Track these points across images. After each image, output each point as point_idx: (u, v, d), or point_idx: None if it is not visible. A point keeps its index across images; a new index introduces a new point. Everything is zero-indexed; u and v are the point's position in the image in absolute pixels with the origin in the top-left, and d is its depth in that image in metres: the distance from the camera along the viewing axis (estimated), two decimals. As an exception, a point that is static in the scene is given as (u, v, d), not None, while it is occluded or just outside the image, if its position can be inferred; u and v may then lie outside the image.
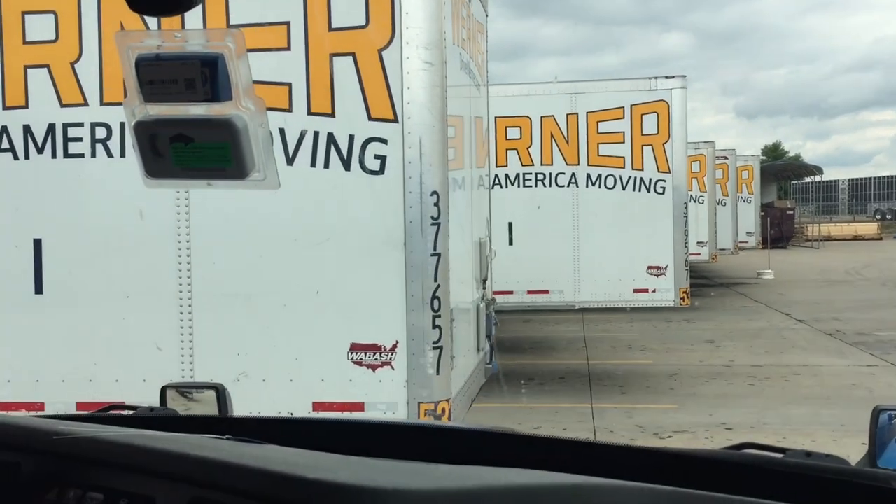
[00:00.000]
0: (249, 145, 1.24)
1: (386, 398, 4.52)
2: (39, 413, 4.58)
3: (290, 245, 4.59)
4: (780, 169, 48.86)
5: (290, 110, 4.51)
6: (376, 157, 4.49)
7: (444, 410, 4.56)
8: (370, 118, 4.47)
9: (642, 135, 11.55)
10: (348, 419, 3.40)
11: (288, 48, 4.48)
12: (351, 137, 4.50)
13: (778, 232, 34.38)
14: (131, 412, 2.05)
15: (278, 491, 1.03)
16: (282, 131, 4.52)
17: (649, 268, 11.60)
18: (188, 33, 1.22)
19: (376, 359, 4.52)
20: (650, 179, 11.63)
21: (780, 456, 1.37)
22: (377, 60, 4.44)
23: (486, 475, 1.17)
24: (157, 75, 1.20)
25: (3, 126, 4.74)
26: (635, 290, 11.65)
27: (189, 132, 1.23)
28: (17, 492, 1.20)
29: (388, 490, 1.01)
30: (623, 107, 11.57)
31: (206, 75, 1.19)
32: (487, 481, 1.13)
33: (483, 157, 6.81)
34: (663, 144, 11.54)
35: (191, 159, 1.26)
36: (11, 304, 4.80)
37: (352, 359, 4.56)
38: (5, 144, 4.75)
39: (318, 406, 4.59)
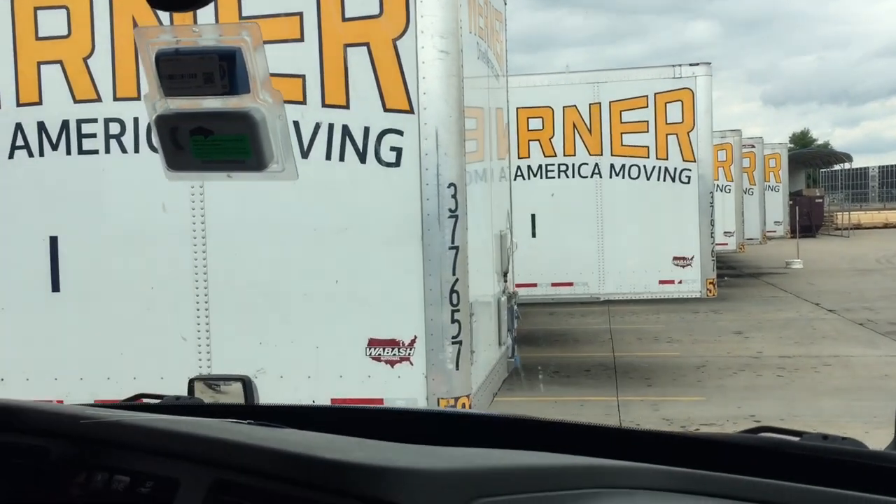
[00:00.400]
0: (268, 137, 1.25)
1: (405, 394, 4.45)
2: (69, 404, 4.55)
3: (305, 240, 4.53)
4: (808, 157, 48.22)
5: (304, 102, 4.44)
6: (392, 149, 4.41)
7: (464, 406, 4.48)
8: (385, 109, 4.39)
9: (666, 124, 11.38)
10: (365, 407, 3.36)
11: (301, 39, 4.41)
12: (366, 129, 4.42)
13: (807, 220, 33.94)
14: (158, 401, 2.13)
15: (295, 471, 1.06)
16: (296, 124, 4.46)
17: (675, 258, 11.43)
18: (206, 28, 1.24)
19: (395, 354, 4.45)
20: (675, 169, 11.45)
21: (796, 439, 1.36)
22: (392, 50, 4.35)
23: (497, 456, 1.18)
24: (177, 70, 1.22)
25: (17, 123, 4.72)
26: (661, 282, 11.49)
27: (208, 125, 1.25)
28: (46, 476, 1.22)
29: (400, 469, 1.03)
30: (646, 95, 11.40)
31: (224, 69, 1.21)
32: (498, 462, 1.13)
33: (503, 149, 6.71)
34: (688, 133, 11.36)
35: (210, 152, 1.28)
36: (29, 303, 4.79)
37: (370, 354, 4.50)
38: (20, 142, 4.73)
39: (336, 402, 4.53)
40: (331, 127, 4.45)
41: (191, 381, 2.16)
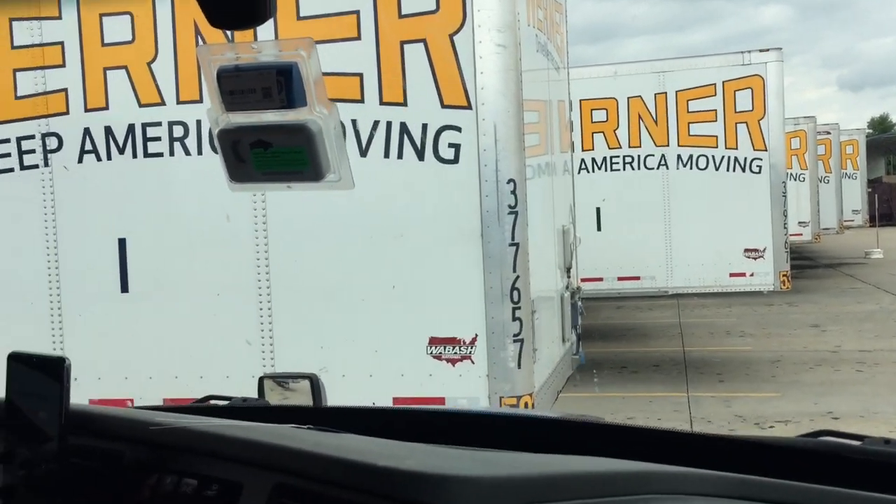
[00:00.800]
0: (324, 148, 1.30)
1: (466, 393, 4.41)
2: (140, 406, 4.65)
3: (363, 240, 4.53)
4: (888, 142, 46.43)
5: (362, 101, 4.43)
6: (450, 145, 4.37)
7: (526, 405, 4.42)
8: (443, 106, 4.35)
9: (736, 112, 11.05)
10: (423, 408, 3.36)
11: (358, 38, 4.40)
12: (424, 126, 4.39)
13: (887, 209, 32.70)
14: (226, 403, 2.23)
15: (350, 477, 1.10)
16: (354, 123, 4.45)
17: (746, 250, 11.11)
18: (264, 44, 1.29)
19: (455, 353, 4.42)
20: (745, 158, 11.12)
21: (857, 443, 1.32)
22: (449, 46, 4.31)
23: (548, 462, 1.19)
24: (237, 86, 1.27)
25: (86, 128, 4.84)
26: (731, 274, 11.17)
27: (267, 138, 1.30)
28: (121, 478, 1.29)
29: (449, 476, 1.05)
30: (714, 84, 11.08)
31: (282, 83, 1.25)
32: (549, 468, 1.14)
33: (566, 142, 6.61)
34: (759, 121, 11.01)
35: (270, 163, 1.32)
36: (99, 303, 4.90)
37: (431, 353, 4.47)
38: (88, 146, 4.85)
39: (398, 401, 4.52)
40: (389, 125, 4.44)
41: (261, 379, 2.25)
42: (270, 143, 1.31)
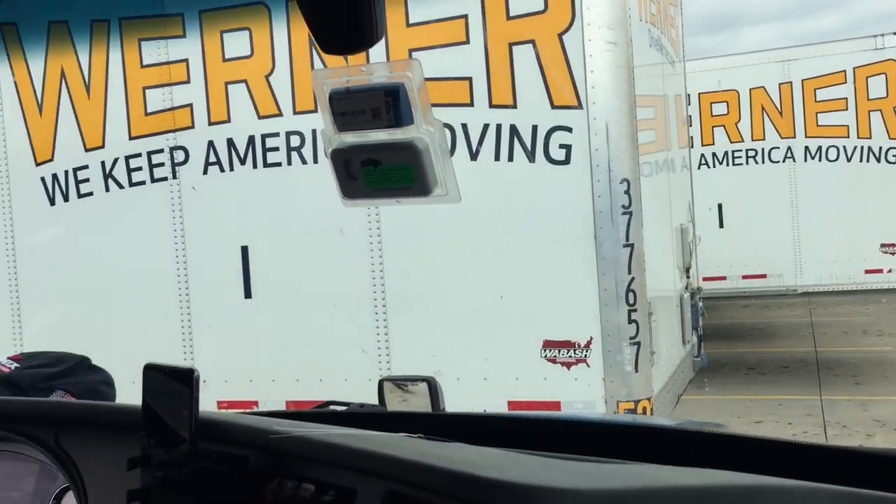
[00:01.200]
0: (431, 164, 1.35)
1: (582, 396, 4.35)
2: (264, 411, 4.83)
3: (475, 242, 4.54)
4: None
5: (471, 105, 4.44)
6: (561, 146, 4.32)
7: (645, 409, 4.32)
8: (553, 106, 4.30)
9: (868, 100, 10.44)
10: (544, 415, 3.36)
11: (467, 41, 4.41)
12: (534, 128, 4.36)
13: None
14: (345, 408, 2.34)
15: (454, 487, 1.13)
16: (464, 126, 4.46)
17: (883, 245, 10.49)
18: (373, 67, 1.35)
19: (570, 356, 4.36)
20: (880, 148, 10.50)
21: None
22: (558, 45, 4.26)
23: (653, 474, 1.18)
24: (348, 107, 1.34)
25: (209, 141, 5.05)
26: (867, 271, 10.58)
27: (377, 156, 1.36)
28: (246, 482, 1.37)
29: (550, 489, 1.06)
30: (844, 70, 10.51)
31: (389, 104, 1.31)
32: (652, 482, 1.13)
33: (683, 138, 6.42)
34: (894, 109, 10.37)
35: (380, 180, 1.38)
36: (225, 308, 5.11)
37: (545, 356, 4.43)
38: (212, 158, 5.06)
39: (513, 405, 4.50)
40: (499, 127, 4.42)
41: (380, 382, 2.31)
42: (380, 161, 1.37)
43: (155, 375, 1.41)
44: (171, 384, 1.38)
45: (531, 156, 4.38)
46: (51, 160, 5.41)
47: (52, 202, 5.43)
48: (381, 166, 1.38)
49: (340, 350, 4.85)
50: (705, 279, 7.16)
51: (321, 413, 2.12)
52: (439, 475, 1.17)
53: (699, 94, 10.41)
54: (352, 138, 1.37)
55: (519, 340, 4.48)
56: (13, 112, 5.43)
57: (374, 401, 2.43)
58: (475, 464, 1.21)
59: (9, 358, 2.10)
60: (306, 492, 1.32)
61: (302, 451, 1.38)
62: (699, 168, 10.23)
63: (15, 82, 5.41)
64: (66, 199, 5.40)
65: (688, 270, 5.84)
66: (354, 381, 4.63)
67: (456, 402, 4.62)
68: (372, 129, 1.34)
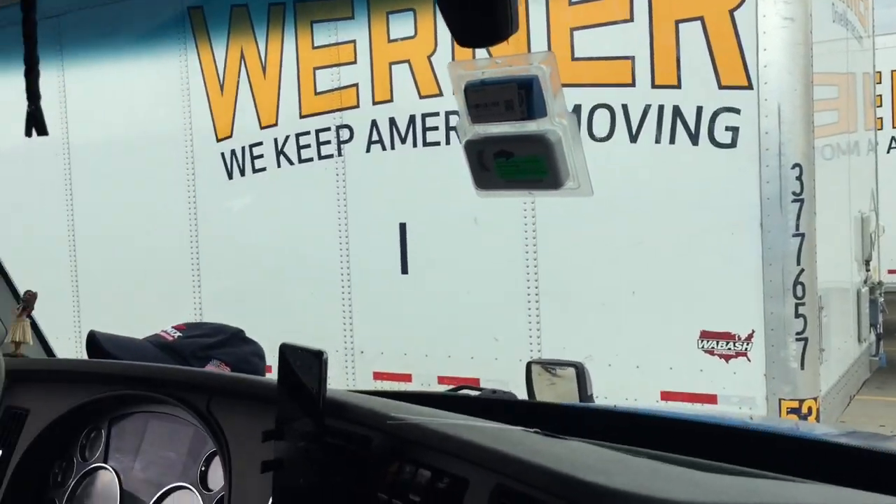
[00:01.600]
0: (563, 157, 1.35)
1: (740, 391, 4.16)
2: (393, 391, 4.96)
3: (633, 225, 4.41)
4: None
5: (632, 85, 4.30)
6: (727, 128, 4.10)
7: (810, 409, 4.07)
8: (720, 87, 4.09)
9: None
10: (652, 413, 3.27)
11: (630, 19, 4.27)
12: (699, 109, 4.17)
13: None
14: (477, 393, 2.42)
15: (558, 487, 1.15)
16: (624, 108, 4.34)
17: None
18: (507, 59, 1.35)
19: (729, 348, 4.17)
20: None
21: None
22: (728, 22, 4.04)
23: (771, 490, 1.15)
24: (482, 99, 1.35)
25: (373, 120, 5.19)
26: None
27: (509, 148, 1.37)
28: (369, 461, 1.43)
29: (655, 499, 1.06)
30: None
31: (522, 96, 1.31)
32: (763, 498, 1.10)
33: (870, 118, 5.94)
34: None
35: (512, 172, 1.39)
36: (383, 283, 5.26)
37: (702, 347, 4.26)
38: (375, 137, 5.20)
39: (665, 395, 4.37)
40: (661, 108, 4.26)
41: (528, 364, 2.32)
42: (512, 152, 1.37)
43: (290, 353, 1.47)
44: (303, 362, 1.44)
45: (694, 138, 4.20)
46: (230, 137, 5.75)
47: (230, 176, 5.77)
48: (514, 158, 1.37)
49: (492, 329, 4.88)
50: (890, 272, 6.62)
51: (450, 397, 2.17)
52: (547, 475, 1.19)
53: (892, 71, 9.57)
54: (486, 129, 1.37)
55: (675, 329, 4.34)
56: (198, 92, 5.80)
57: (523, 383, 2.44)
58: (585, 466, 1.22)
59: (173, 327, 2.26)
60: (423, 477, 1.35)
61: (418, 437, 1.41)
62: (888, 152, 9.43)
63: (200, 63, 5.78)
64: (242, 173, 5.72)
65: (868, 263, 5.42)
66: (504, 362, 4.65)
67: (605, 390, 4.56)
68: (505, 121, 1.34)
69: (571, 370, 2.24)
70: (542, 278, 4.71)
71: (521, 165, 1.38)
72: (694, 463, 1.35)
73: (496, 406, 2.06)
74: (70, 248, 6.41)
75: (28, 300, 2.17)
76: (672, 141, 4.25)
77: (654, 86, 4.26)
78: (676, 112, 4.22)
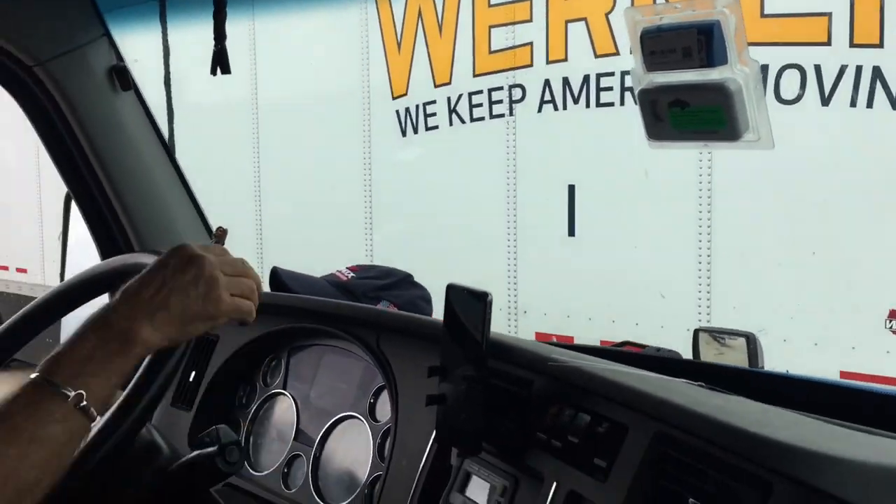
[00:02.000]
0: (743, 107, 1.30)
1: (930, 378, 3.86)
2: (566, 344, 4.94)
3: (817, 194, 4.15)
4: None
5: (828, 43, 4.01)
6: (934, 91, 3.76)
7: None
8: (929, 46, 3.75)
9: None
10: (842, 384, 3.09)
11: (830, -29, 3.98)
12: (902, 69, 3.84)
13: None
14: (641, 350, 2.39)
15: (722, 437, 1.14)
16: (817, 69, 4.06)
17: None
18: (687, 3, 1.31)
19: (921, 331, 3.87)
20: None
21: None
22: (943, -27, 3.68)
23: None
24: (658, 46, 1.33)
25: (546, 79, 5.14)
26: None
27: (685, 97, 1.33)
28: (529, 402, 1.47)
29: (822, 454, 1.04)
30: None
31: (702, 43, 1.28)
32: None
33: None
34: None
35: (686, 122, 1.36)
36: (548, 244, 5.25)
37: (890, 327, 3.98)
38: (547, 96, 5.15)
39: (845, 375, 4.12)
40: (858, 69, 3.95)
41: (696, 332, 2.27)
42: (688, 102, 1.33)
43: (456, 294, 1.51)
44: (468, 304, 1.47)
45: (895, 102, 3.88)
46: (405, 95, 5.88)
47: (404, 134, 5.92)
48: (689, 107, 1.33)
49: (658, 296, 4.76)
50: None
51: (613, 351, 2.18)
52: (710, 424, 1.18)
53: None
54: (661, 78, 1.34)
55: (860, 306, 4.07)
56: (377, 49, 5.96)
57: (689, 352, 2.37)
58: (749, 419, 1.21)
59: (347, 268, 2.37)
60: (582, 420, 1.36)
61: (579, 381, 1.43)
62: None
63: (379, 21, 5.93)
64: (415, 131, 5.85)
65: None
66: (671, 329, 4.54)
67: (779, 365, 4.35)
68: (682, 69, 1.31)
69: (742, 340, 2.15)
70: (714, 246, 4.53)
71: (697, 115, 1.34)
72: (870, 431, 1.30)
73: (659, 362, 2.04)
74: (255, 196, 6.81)
75: (219, 235, 2.33)
76: (869, 104, 3.94)
77: (852, 44, 3.95)
78: (876, 73, 3.90)
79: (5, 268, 9.36)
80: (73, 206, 2.40)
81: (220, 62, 1.76)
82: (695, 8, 1.31)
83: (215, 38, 1.73)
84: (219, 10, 1.69)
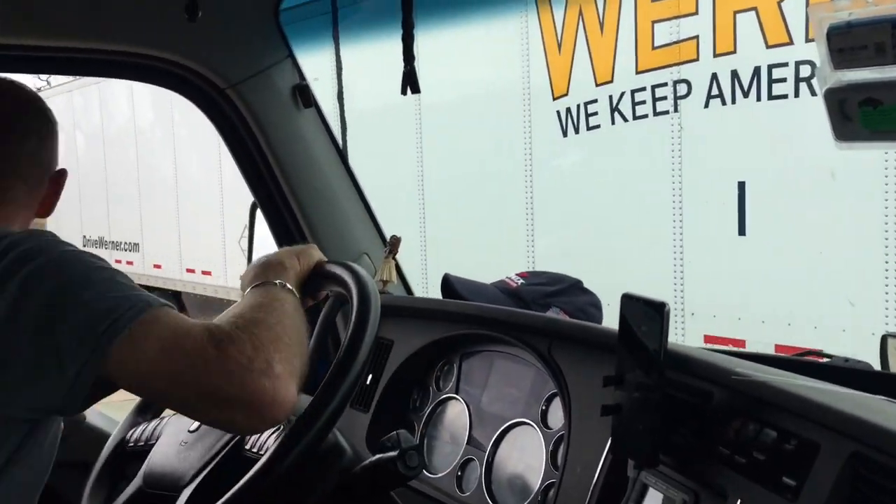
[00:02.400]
0: None
1: None
2: (736, 350, 4.77)
3: None
4: None
5: None
6: None
7: None
8: None
9: None
10: None
11: None
12: None
13: None
14: (826, 360, 2.27)
15: None
16: None
17: None
18: None
19: None
20: None
21: None
22: None
23: None
24: (847, 42, 1.27)
25: (713, 73, 4.97)
26: None
27: (877, 95, 1.27)
28: (711, 416, 1.43)
29: None
30: None
31: None
32: None
33: None
34: None
35: (879, 122, 1.30)
36: (717, 244, 5.07)
37: None
38: (715, 91, 4.97)
39: None
40: None
41: (884, 338, 2.18)
42: (880, 100, 1.26)
43: (631, 304, 1.50)
44: (644, 314, 1.45)
45: None
46: (566, 94, 5.85)
47: (565, 134, 5.89)
48: (882, 106, 1.26)
49: (838, 298, 4.50)
50: None
51: (794, 360, 2.07)
52: None
53: None
54: (850, 76, 1.28)
55: None
56: (537, 52, 5.97)
57: (876, 359, 2.24)
58: None
59: (517, 275, 2.39)
60: (768, 437, 1.31)
61: (765, 396, 1.38)
62: None
63: (540, 24, 5.93)
64: (576, 131, 5.81)
65: None
66: (854, 333, 4.28)
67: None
68: (874, 66, 1.24)
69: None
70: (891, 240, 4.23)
71: (891, 115, 1.27)
72: None
73: (848, 375, 1.93)
74: (419, 202, 6.98)
75: (394, 244, 2.42)
76: None
77: None
78: None
79: (192, 271, 10.10)
80: (258, 215, 2.55)
81: (411, 82, 1.84)
82: (888, 2, 1.24)
83: (404, 60, 1.81)
84: (407, 34, 1.77)
